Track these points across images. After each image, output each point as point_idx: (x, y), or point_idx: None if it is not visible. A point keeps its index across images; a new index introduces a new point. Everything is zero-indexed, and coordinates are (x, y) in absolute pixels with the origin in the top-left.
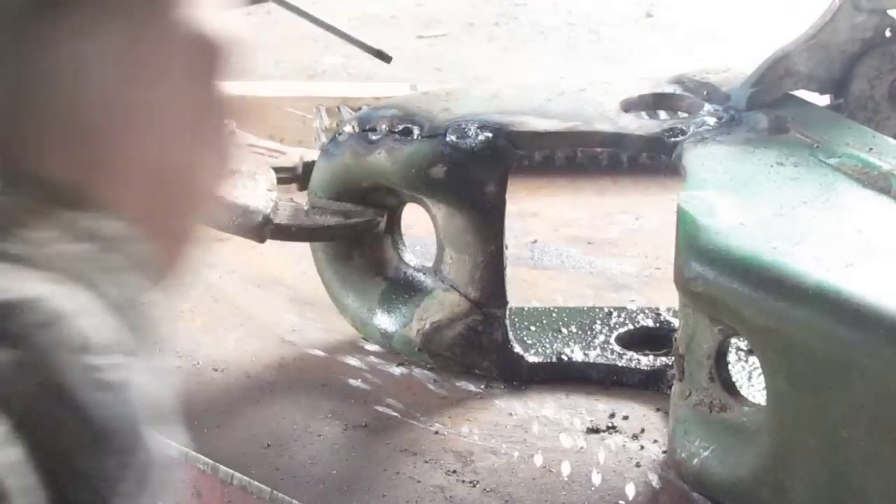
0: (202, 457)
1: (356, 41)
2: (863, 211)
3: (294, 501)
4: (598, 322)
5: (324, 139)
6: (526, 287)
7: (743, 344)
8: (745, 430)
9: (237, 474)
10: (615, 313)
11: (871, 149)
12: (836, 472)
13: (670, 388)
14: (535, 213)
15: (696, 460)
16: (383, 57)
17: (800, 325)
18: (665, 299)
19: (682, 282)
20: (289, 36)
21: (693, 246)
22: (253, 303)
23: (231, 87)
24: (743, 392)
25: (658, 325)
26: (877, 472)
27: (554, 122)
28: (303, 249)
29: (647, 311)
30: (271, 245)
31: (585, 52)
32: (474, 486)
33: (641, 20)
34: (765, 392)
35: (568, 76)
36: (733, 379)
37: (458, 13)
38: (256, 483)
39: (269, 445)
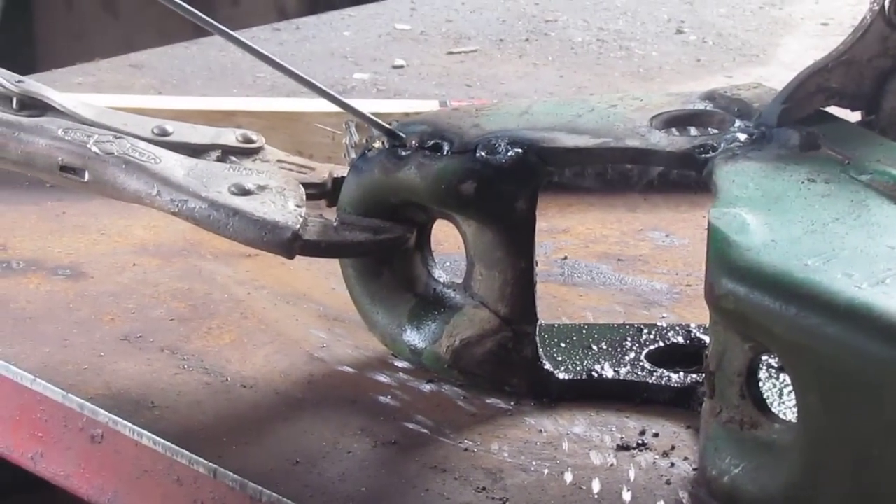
0: (230, 473)
1: (363, 115)
2: (894, 229)
3: None
4: (629, 339)
5: (353, 155)
6: (556, 304)
7: (774, 361)
8: (776, 448)
9: (266, 491)
10: (645, 330)
11: None
12: (867, 490)
13: (701, 405)
14: (565, 230)
15: (726, 478)
16: (395, 136)
17: (831, 343)
18: (696, 316)
19: (713, 299)
20: (318, 52)
21: (724, 262)
22: (282, 319)
23: (260, 103)
24: (774, 409)
25: (689, 342)
26: None
27: (584, 139)
28: (332, 266)
29: (677, 328)
30: (300, 261)
31: (616, 69)
32: (504, 503)
33: (672, 37)
34: (796, 409)
35: (598, 92)
36: (764, 396)
37: (489, 29)
38: (285, 500)
39: (297, 462)
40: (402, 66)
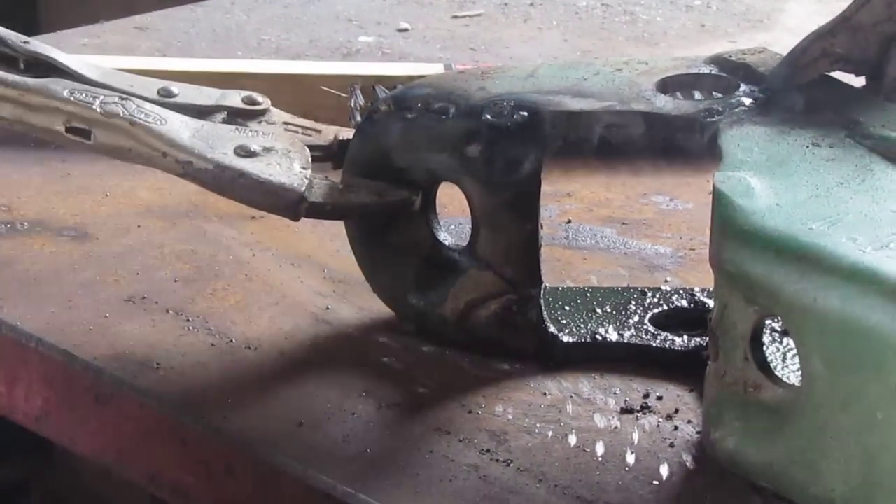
0: (236, 434)
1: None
2: None
3: (328, 479)
4: (633, 302)
5: (358, 118)
6: (560, 267)
7: (777, 325)
8: (780, 411)
9: (271, 452)
10: (649, 294)
11: None
12: (871, 453)
13: (704, 368)
14: (569, 194)
15: (730, 440)
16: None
17: (835, 306)
18: (699, 280)
19: (718, 262)
20: (323, 15)
21: (729, 226)
22: (286, 281)
23: (265, 65)
24: (777, 373)
25: (692, 305)
26: None
27: (590, 102)
28: (337, 228)
29: (681, 291)
30: (305, 223)
31: (620, 33)
32: (508, 465)
33: (677, 2)
34: (799, 373)
35: (603, 57)
36: (768, 360)
37: None
38: (289, 461)
39: (301, 423)
40: (406, 30)
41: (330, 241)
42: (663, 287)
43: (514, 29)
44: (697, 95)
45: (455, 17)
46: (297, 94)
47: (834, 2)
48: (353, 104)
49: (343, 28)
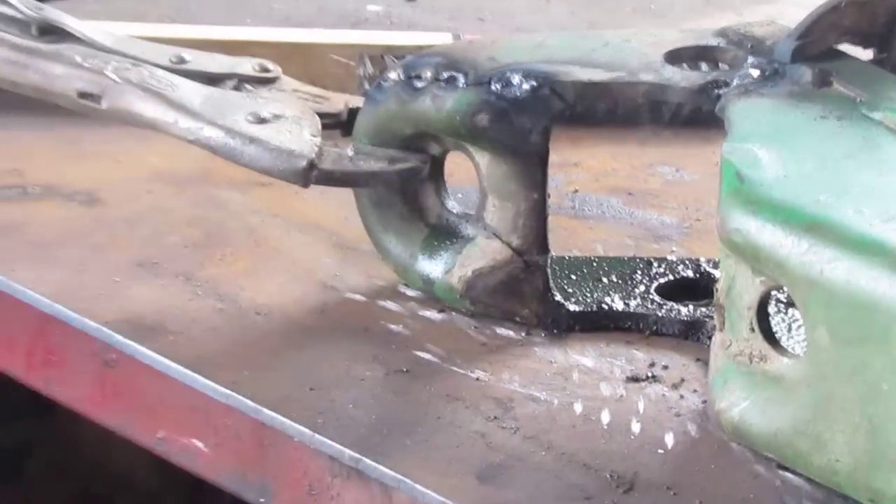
0: (245, 399)
1: None
2: None
3: (335, 444)
4: (639, 272)
5: (367, 86)
6: (566, 236)
7: (783, 296)
8: (785, 382)
9: (279, 416)
10: (655, 264)
11: None
12: (876, 424)
13: (710, 338)
14: (576, 164)
15: (735, 410)
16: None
17: (842, 277)
18: (705, 250)
19: (725, 232)
20: None
21: (736, 196)
22: (295, 247)
23: (274, 33)
24: (783, 344)
25: (698, 275)
26: None
27: (599, 72)
28: (345, 195)
29: (687, 261)
30: (313, 191)
31: (627, 5)
32: (515, 432)
33: None
34: (804, 344)
35: (611, 28)
36: (773, 331)
37: None
38: (297, 425)
39: (311, 389)
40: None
41: (338, 208)
42: (669, 257)
43: (521, 0)
44: (705, 67)
45: None
46: (306, 62)
47: None
48: (361, 73)
49: None
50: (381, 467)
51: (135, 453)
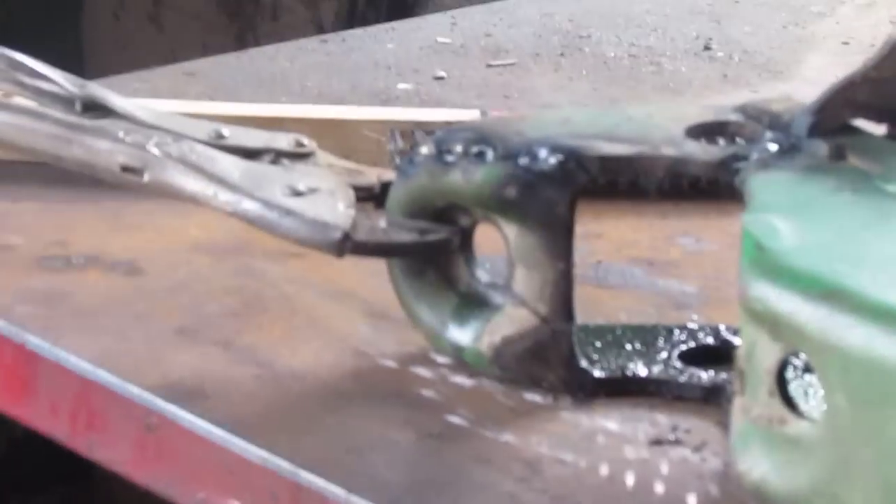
0: (283, 461)
1: None
2: None
3: None
4: (661, 339)
5: (398, 161)
6: (591, 305)
7: (799, 361)
8: (804, 444)
9: (315, 478)
10: (677, 331)
11: None
12: (893, 484)
13: (730, 402)
14: (599, 235)
15: (756, 472)
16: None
17: (859, 344)
18: (724, 318)
19: (745, 300)
20: (363, 63)
21: (757, 266)
22: (329, 315)
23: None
24: (800, 407)
25: (718, 342)
26: None
27: (623, 146)
28: (376, 265)
29: (707, 329)
30: (346, 261)
31: (647, 83)
32: (544, 493)
33: (700, 53)
34: (821, 408)
35: (634, 103)
36: (791, 395)
37: (525, 44)
38: (333, 487)
39: (346, 451)
40: (443, 78)
41: (370, 277)
42: (690, 324)
43: (545, 77)
44: (724, 141)
45: (489, 65)
46: (339, 137)
47: (850, 55)
48: (392, 148)
49: (382, 75)
50: None
51: None
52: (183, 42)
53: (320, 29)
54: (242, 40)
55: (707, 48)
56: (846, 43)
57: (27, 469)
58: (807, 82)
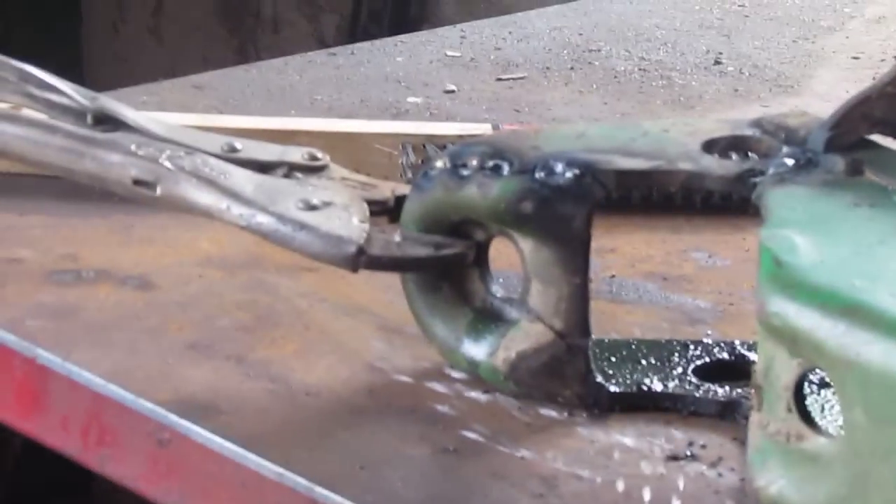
0: (297, 477)
1: None
2: None
3: None
4: (676, 354)
5: (409, 174)
6: (605, 320)
7: (815, 377)
8: (822, 460)
9: (331, 494)
10: (692, 346)
11: None
12: None
13: (746, 418)
14: (612, 250)
15: (773, 488)
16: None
17: (878, 359)
18: (739, 333)
19: (764, 316)
20: (372, 76)
21: (775, 281)
22: (342, 330)
23: (319, 123)
24: (817, 423)
25: (733, 357)
26: None
27: (639, 161)
28: (390, 280)
29: (722, 344)
30: (359, 275)
31: (658, 97)
32: None
33: (711, 67)
34: (838, 424)
35: (642, 119)
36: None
37: (535, 58)
38: (348, 503)
39: (361, 467)
40: (453, 91)
41: (383, 291)
42: (704, 340)
43: (555, 91)
44: (740, 156)
45: (499, 79)
46: (350, 151)
47: (860, 69)
48: (403, 161)
49: (392, 89)
50: None
51: None
52: (183, 54)
53: (321, 42)
54: (243, 53)
55: (717, 62)
56: (856, 58)
57: (28, 484)
58: (817, 97)
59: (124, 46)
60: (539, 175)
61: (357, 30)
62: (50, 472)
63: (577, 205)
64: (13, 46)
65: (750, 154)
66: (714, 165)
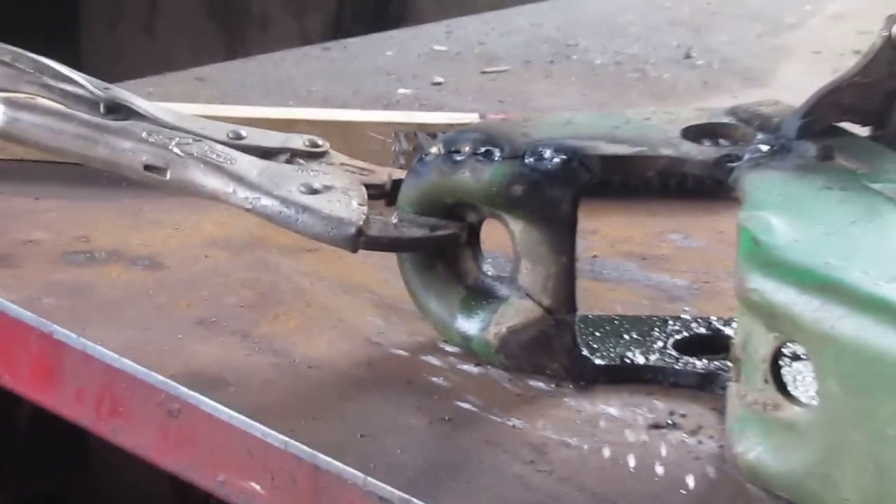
0: (301, 445)
1: None
2: None
3: (386, 486)
4: (656, 329)
5: (402, 161)
6: (588, 297)
7: (788, 350)
8: (797, 428)
9: (333, 461)
10: (671, 322)
11: None
12: (882, 466)
13: (723, 389)
14: (594, 232)
15: (750, 454)
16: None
17: (851, 333)
18: (715, 309)
19: (743, 292)
20: (364, 69)
21: (753, 260)
22: (342, 307)
23: (316, 112)
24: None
25: (710, 332)
26: None
27: (623, 147)
28: (386, 259)
29: (699, 320)
30: (357, 255)
31: (632, 88)
32: (550, 474)
33: (682, 61)
34: (808, 394)
35: (617, 109)
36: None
37: (517, 52)
38: (351, 469)
39: (361, 436)
40: (440, 83)
41: (380, 271)
42: (683, 316)
43: (536, 84)
44: (718, 142)
45: (483, 72)
46: (346, 139)
47: (821, 63)
48: (397, 148)
49: (383, 81)
50: None
51: (162, 501)
52: (175, 51)
53: (306, 40)
54: (232, 50)
55: (688, 56)
56: (818, 52)
57: (27, 455)
58: (782, 88)
59: (120, 43)
60: (529, 160)
61: (340, 28)
62: (49, 444)
63: (564, 188)
64: (13, 43)
65: (726, 140)
66: (693, 151)
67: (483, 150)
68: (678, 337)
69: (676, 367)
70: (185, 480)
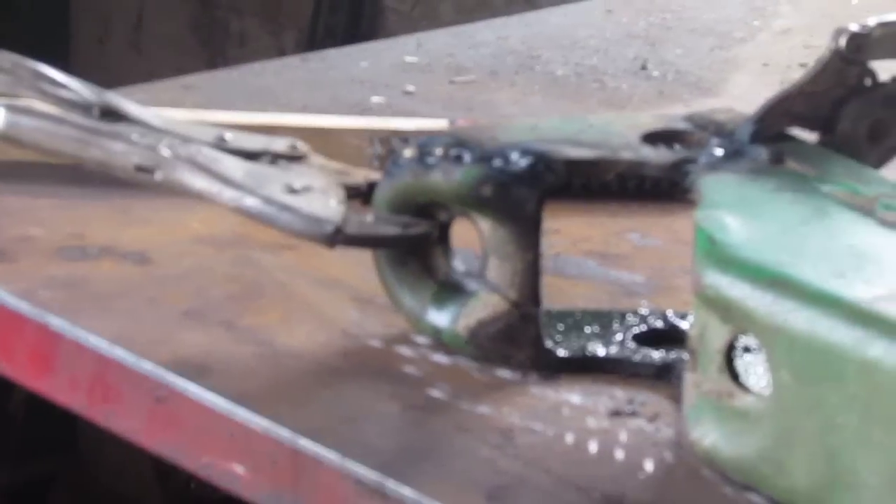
0: (284, 429)
1: None
2: (852, 231)
3: (362, 468)
4: (616, 323)
5: (377, 164)
6: (551, 292)
7: (740, 343)
8: (751, 415)
9: (313, 444)
10: (629, 316)
11: (856, 178)
12: (831, 452)
13: (679, 379)
14: (556, 231)
15: (706, 440)
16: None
17: (802, 325)
18: (670, 304)
19: (699, 287)
20: (340, 78)
21: (709, 257)
22: (320, 300)
23: (295, 118)
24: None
25: (667, 326)
26: (866, 452)
27: (585, 151)
28: (361, 256)
29: (656, 314)
30: (334, 251)
31: (592, 97)
32: (516, 458)
33: (638, 72)
34: (759, 384)
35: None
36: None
37: (484, 63)
38: (329, 452)
39: (339, 421)
40: (412, 92)
41: (356, 266)
42: (640, 310)
43: (502, 93)
44: (675, 147)
45: (452, 82)
46: (324, 143)
47: (769, 75)
48: (372, 152)
49: (358, 89)
50: (403, 488)
51: (146, 483)
52: (160, 65)
53: (282, 55)
54: (213, 64)
55: (644, 68)
56: (766, 65)
57: (16, 440)
58: (733, 98)
59: (108, 58)
60: (497, 163)
61: (314, 44)
62: (40, 431)
63: (530, 189)
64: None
65: (683, 145)
66: (652, 155)
67: (454, 153)
68: (636, 330)
69: (635, 358)
70: (171, 463)
